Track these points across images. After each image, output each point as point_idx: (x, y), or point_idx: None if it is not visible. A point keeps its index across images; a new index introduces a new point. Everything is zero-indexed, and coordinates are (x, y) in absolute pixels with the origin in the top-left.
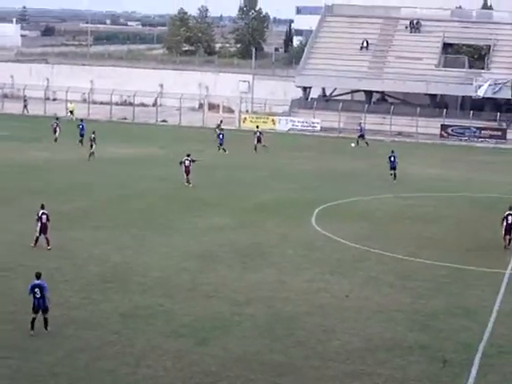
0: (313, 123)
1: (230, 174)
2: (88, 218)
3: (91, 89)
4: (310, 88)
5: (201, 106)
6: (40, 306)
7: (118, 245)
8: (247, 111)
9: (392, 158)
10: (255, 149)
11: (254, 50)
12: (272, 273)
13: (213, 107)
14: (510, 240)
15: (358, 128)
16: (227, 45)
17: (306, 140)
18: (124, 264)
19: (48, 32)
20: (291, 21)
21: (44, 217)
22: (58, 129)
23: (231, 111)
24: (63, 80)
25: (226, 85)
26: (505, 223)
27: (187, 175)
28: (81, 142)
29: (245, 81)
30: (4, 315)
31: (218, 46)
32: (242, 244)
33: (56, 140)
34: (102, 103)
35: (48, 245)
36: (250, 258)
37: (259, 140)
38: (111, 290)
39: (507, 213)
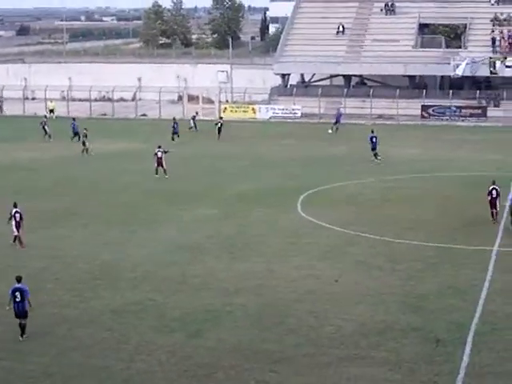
0: (293, 110)
1: (212, 165)
2: (75, 216)
3: (69, 86)
4: (289, 75)
5: (180, 98)
6: (20, 310)
7: (105, 241)
8: (227, 101)
9: (374, 139)
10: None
11: (230, 39)
12: (260, 261)
13: (192, 99)
14: (496, 213)
15: (337, 113)
16: (203, 36)
17: (287, 127)
18: (113, 260)
19: (23, 31)
20: (266, 9)
21: (17, 215)
22: (46, 126)
23: (211, 102)
24: (41, 79)
25: (205, 76)
26: (489, 197)
27: (159, 166)
28: (78, 139)
29: (223, 71)
30: None
31: (194, 37)
32: (229, 234)
33: (50, 137)
34: (80, 100)
35: (21, 244)
36: (238, 247)
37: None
38: (101, 287)
39: (491, 187)
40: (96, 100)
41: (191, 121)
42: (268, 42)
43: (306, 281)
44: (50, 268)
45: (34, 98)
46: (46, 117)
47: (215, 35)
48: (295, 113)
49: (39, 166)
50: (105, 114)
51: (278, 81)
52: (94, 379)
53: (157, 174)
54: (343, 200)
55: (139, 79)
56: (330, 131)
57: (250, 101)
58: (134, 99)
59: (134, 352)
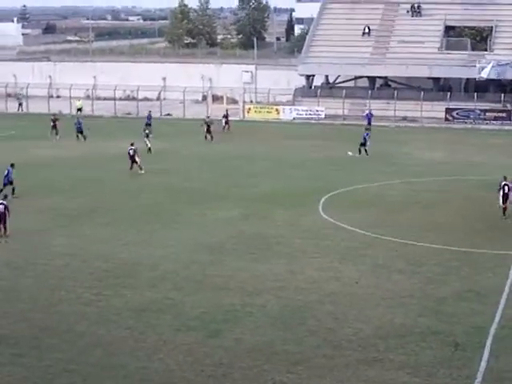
0: (317, 111)
1: (235, 165)
2: (95, 214)
3: (94, 85)
4: (313, 76)
5: (204, 98)
6: None
7: (126, 240)
8: (251, 101)
9: (366, 136)
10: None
11: (255, 40)
12: (281, 262)
13: (217, 99)
14: (505, 209)
15: (364, 115)
16: (229, 36)
17: (310, 128)
18: (133, 259)
19: (49, 30)
20: (292, 9)
21: (1, 207)
22: (57, 124)
23: (235, 102)
24: (66, 77)
25: (229, 76)
26: (501, 192)
27: (133, 163)
28: (84, 137)
29: (248, 71)
30: (16, 313)
31: (219, 37)
32: (250, 235)
33: (57, 134)
34: (105, 99)
35: (5, 233)
36: (259, 248)
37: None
38: (121, 286)
39: (503, 183)
40: (121, 99)
41: (223, 120)
42: (293, 43)
43: (326, 282)
44: (70, 265)
45: (58, 96)
46: (54, 114)
47: (240, 36)
48: (319, 114)
49: (62, 164)
50: (129, 113)
51: (303, 82)
52: (112, 377)
53: (131, 169)
54: (365, 202)
55: (164, 79)
56: (349, 153)
57: (274, 101)
58: (158, 99)
59: (152, 351)
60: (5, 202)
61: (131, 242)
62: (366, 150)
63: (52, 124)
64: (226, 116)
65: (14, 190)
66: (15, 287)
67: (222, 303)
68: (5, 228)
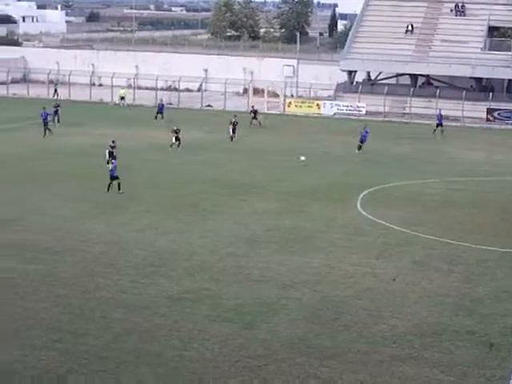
0: (358, 107)
1: (274, 158)
2: (134, 203)
3: (136, 74)
4: (355, 72)
5: (245, 90)
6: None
7: (164, 229)
8: (292, 96)
9: (365, 133)
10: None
11: (298, 34)
12: (318, 257)
13: (257, 92)
14: None
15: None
16: (271, 30)
17: (351, 124)
18: (170, 248)
19: (93, 18)
20: (335, 5)
21: None
22: (59, 111)
23: (276, 96)
24: (108, 66)
25: (271, 69)
26: None
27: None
28: (44, 130)
29: (289, 65)
30: (52, 298)
31: (262, 30)
32: (288, 228)
33: (58, 121)
34: (147, 88)
35: None
36: (296, 241)
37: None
38: (158, 274)
39: None
40: (162, 89)
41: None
42: (336, 39)
43: (363, 278)
44: (108, 253)
45: (100, 85)
46: (57, 100)
47: (283, 29)
48: (360, 110)
49: (99, 152)
50: (170, 104)
51: (344, 77)
52: (146, 365)
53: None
54: (404, 199)
55: (206, 70)
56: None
57: (315, 96)
58: (199, 90)
59: (187, 340)
60: None
61: (169, 231)
62: (360, 147)
63: (54, 110)
64: (253, 111)
65: (119, 184)
66: (53, 272)
67: (258, 295)
68: None
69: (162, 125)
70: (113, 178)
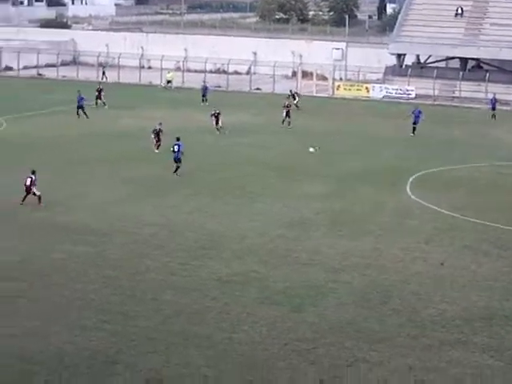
0: (407, 90)
1: (323, 141)
2: (184, 185)
3: (185, 57)
4: (404, 55)
5: (294, 73)
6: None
7: (213, 212)
8: (341, 79)
9: (417, 114)
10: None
11: (347, 17)
12: (367, 240)
13: (306, 75)
14: None
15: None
16: (320, 12)
17: (400, 107)
18: (219, 231)
19: (142, 1)
20: None
21: (28, 180)
22: (102, 93)
23: (325, 79)
24: (157, 48)
25: (320, 53)
26: None
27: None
28: (77, 113)
29: (338, 48)
30: (102, 280)
31: (311, 13)
32: (337, 211)
33: (102, 104)
34: (196, 71)
35: (39, 201)
36: (345, 225)
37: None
38: (207, 256)
39: None
40: (211, 72)
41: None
42: (385, 22)
43: (412, 262)
44: (158, 235)
45: (149, 67)
46: (100, 83)
47: (332, 12)
48: (409, 93)
49: (147, 135)
50: (219, 86)
51: (393, 61)
52: (195, 347)
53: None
54: (453, 183)
55: (254, 53)
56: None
57: (364, 79)
58: (248, 73)
59: (236, 322)
60: (32, 176)
61: (218, 213)
62: (414, 129)
63: (96, 94)
64: (293, 95)
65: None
66: (103, 254)
67: (307, 278)
68: (39, 198)
69: (206, 108)
70: (176, 160)
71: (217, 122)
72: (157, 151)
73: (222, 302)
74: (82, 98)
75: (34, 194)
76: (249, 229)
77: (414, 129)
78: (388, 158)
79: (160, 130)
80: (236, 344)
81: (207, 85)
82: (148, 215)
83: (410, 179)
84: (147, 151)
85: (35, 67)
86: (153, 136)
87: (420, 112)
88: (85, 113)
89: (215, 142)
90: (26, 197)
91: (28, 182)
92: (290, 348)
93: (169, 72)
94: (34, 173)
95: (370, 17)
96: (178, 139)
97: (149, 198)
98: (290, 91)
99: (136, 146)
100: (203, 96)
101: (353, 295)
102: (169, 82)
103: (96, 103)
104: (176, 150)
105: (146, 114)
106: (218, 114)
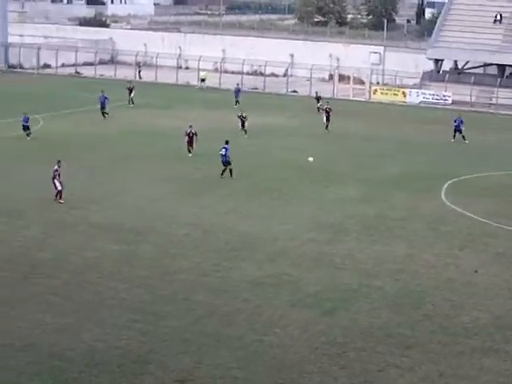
0: (444, 96)
1: (358, 145)
2: (218, 186)
3: (223, 58)
4: (442, 61)
5: (331, 77)
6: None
7: (246, 213)
8: (378, 83)
9: (459, 122)
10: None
11: (385, 21)
12: (400, 246)
13: (343, 78)
14: None
15: None
16: (359, 16)
17: (436, 113)
18: (252, 233)
19: (181, 1)
20: None
21: (56, 173)
22: (132, 92)
23: (361, 83)
24: (195, 49)
25: (357, 56)
26: None
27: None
28: (103, 114)
29: (376, 52)
30: (135, 279)
31: (349, 17)
32: (370, 216)
33: (130, 102)
34: (233, 72)
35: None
36: (378, 230)
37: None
38: (240, 258)
39: None
40: (248, 73)
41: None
42: (423, 27)
43: (445, 269)
44: (192, 235)
45: (187, 68)
46: (130, 82)
47: (370, 16)
48: (446, 99)
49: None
50: (256, 88)
51: (431, 66)
52: (226, 348)
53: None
54: (488, 190)
55: (292, 55)
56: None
57: (401, 84)
58: (285, 75)
59: (268, 325)
60: (57, 167)
61: (251, 215)
62: (463, 136)
63: (128, 93)
64: (317, 98)
65: (231, 171)
66: (136, 253)
67: (339, 282)
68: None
69: (238, 110)
70: (224, 163)
71: (243, 125)
72: (190, 155)
73: (254, 304)
74: (106, 98)
75: (56, 187)
76: (282, 231)
77: (461, 136)
78: (423, 164)
79: (192, 133)
80: (267, 346)
81: (240, 87)
82: (182, 215)
83: (445, 185)
84: (182, 151)
85: (73, 65)
86: (186, 139)
87: (462, 121)
88: (103, 113)
89: (249, 143)
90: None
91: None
92: (320, 352)
93: (203, 71)
94: (59, 163)
95: (408, 21)
96: (226, 142)
97: (184, 198)
98: (316, 93)
99: (172, 146)
100: (236, 98)
101: (385, 300)
102: (202, 80)
103: (132, 102)
104: (223, 153)
105: (182, 114)
106: (245, 117)
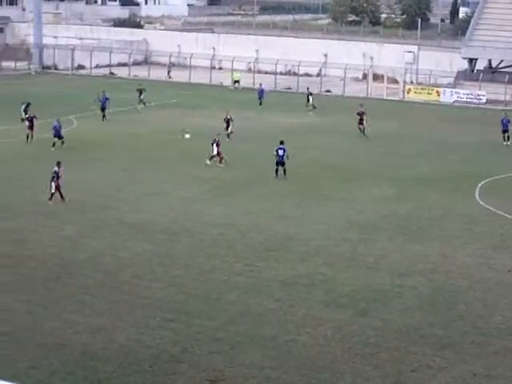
0: (478, 95)
1: (392, 145)
2: (251, 186)
3: (256, 58)
4: (476, 60)
5: (365, 76)
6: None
7: (280, 213)
8: (412, 82)
9: (505, 122)
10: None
11: (419, 20)
12: (434, 245)
13: (377, 78)
14: None
15: None
16: (392, 15)
17: (470, 112)
18: (286, 232)
19: (214, 1)
20: None
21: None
22: (142, 94)
23: (395, 82)
24: (229, 49)
25: (391, 55)
26: None
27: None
28: (103, 116)
29: (410, 52)
30: (168, 279)
31: (383, 16)
32: (403, 216)
33: (141, 103)
34: (266, 73)
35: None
36: (411, 230)
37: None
38: (273, 258)
39: None
40: (281, 73)
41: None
42: (457, 25)
43: (478, 269)
44: (225, 235)
45: (220, 68)
46: (140, 84)
47: (404, 15)
48: (480, 98)
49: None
50: (289, 88)
51: (465, 65)
52: (259, 348)
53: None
54: None
55: (325, 55)
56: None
57: (435, 83)
58: (319, 75)
59: (301, 324)
60: (56, 168)
61: (285, 215)
62: (508, 137)
63: (138, 94)
64: (307, 95)
65: (284, 171)
66: (170, 253)
67: (372, 282)
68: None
69: (265, 109)
70: (279, 163)
71: (227, 128)
72: (208, 162)
73: (287, 304)
74: (107, 99)
75: (58, 188)
76: (315, 231)
77: (507, 137)
78: (457, 163)
79: (219, 141)
80: (300, 346)
81: (263, 87)
82: (216, 215)
83: (479, 185)
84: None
85: (107, 66)
86: (215, 148)
87: (508, 121)
88: (104, 116)
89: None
90: (60, 194)
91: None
92: (353, 352)
93: (236, 72)
94: (58, 164)
95: (442, 20)
96: (281, 142)
97: (217, 198)
98: (308, 88)
99: (204, 146)
100: (259, 99)
101: (418, 300)
102: (236, 81)
103: (143, 103)
104: (281, 154)
105: (215, 114)
106: (229, 119)
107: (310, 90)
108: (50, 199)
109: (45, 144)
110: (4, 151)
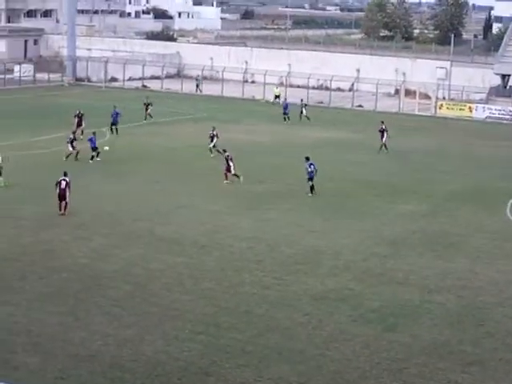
0: (510, 111)
1: (424, 160)
2: (281, 200)
3: (289, 72)
4: (509, 76)
5: (397, 91)
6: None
7: (309, 227)
8: (444, 98)
9: None
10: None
11: (452, 36)
12: (464, 262)
13: (409, 93)
14: None
15: None
16: (425, 31)
17: (503, 129)
18: (315, 246)
19: (247, 15)
20: (491, 8)
21: (63, 183)
22: (149, 108)
23: (428, 97)
24: (261, 63)
25: (423, 71)
26: None
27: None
28: (111, 129)
29: (442, 67)
30: (198, 291)
31: (415, 31)
32: (434, 231)
33: (148, 117)
34: (298, 87)
35: (64, 210)
36: (442, 245)
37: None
38: (302, 272)
39: None
40: (314, 88)
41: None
42: (490, 41)
43: (508, 285)
44: (254, 249)
45: (253, 82)
46: (147, 97)
47: (437, 31)
48: None
49: (252, 150)
50: (321, 102)
51: (498, 81)
52: (288, 362)
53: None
54: None
55: (358, 70)
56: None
57: (467, 99)
58: (351, 90)
59: (329, 339)
60: (67, 179)
61: (314, 229)
62: None
63: (145, 108)
64: (302, 106)
65: (312, 186)
66: (200, 266)
67: (401, 298)
68: (65, 206)
69: (293, 124)
70: (311, 178)
71: (211, 142)
72: (226, 182)
73: (316, 319)
74: (118, 114)
75: (65, 199)
76: (345, 245)
77: None
78: (488, 179)
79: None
80: (328, 360)
81: (287, 102)
82: (245, 229)
83: (510, 201)
84: (249, 166)
85: (140, 79)
86: (231, 163)
87: None
88: (116, 129)
89: (313, 157)
90: (61, 205)
91: (63, 185)
92: (381, 367)
93: (277, 87)
94: (66, 174)
95: (475, 36)
96: (307, 159)
97: (248, 211)
98: (301, 100)
99: (236, 160)
100: (284, 114)
101: (447, 316)
102: (277, 97)
103: (150, 116)
104: (312, 169)
105: (246, 128)
106: (215, 135)
107: (304, 102)
108: (64, 210)
109: (81, 156)
110: (42, 161)
